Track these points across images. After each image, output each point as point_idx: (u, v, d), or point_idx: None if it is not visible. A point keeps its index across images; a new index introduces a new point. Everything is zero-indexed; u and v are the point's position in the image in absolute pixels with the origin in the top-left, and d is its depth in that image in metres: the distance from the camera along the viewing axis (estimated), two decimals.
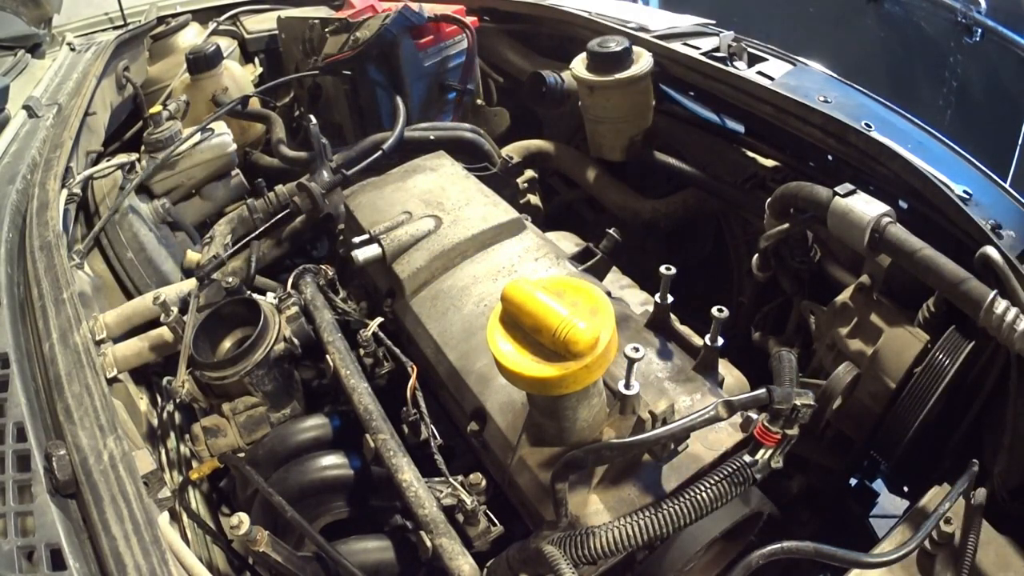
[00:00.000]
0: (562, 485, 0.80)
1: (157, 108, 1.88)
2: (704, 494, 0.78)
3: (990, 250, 1.09)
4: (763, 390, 0.78)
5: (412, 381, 1.12)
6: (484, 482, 1.00)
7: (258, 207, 1.74)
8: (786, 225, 1.37)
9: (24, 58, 1.90)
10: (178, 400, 1.24)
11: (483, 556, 0.93)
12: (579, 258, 1.31)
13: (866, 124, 1.38)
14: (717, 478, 0.79)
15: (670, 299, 1.10)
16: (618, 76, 1.73)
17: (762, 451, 0.80)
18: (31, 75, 1.83)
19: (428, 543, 0.94)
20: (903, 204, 1.32)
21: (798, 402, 0.76)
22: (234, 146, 1.82)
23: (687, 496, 0.78)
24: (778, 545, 0.84)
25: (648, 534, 0.76)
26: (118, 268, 1.58)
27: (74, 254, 1.41)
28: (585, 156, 2.00)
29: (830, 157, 1.49)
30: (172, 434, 1.37)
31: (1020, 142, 3.10)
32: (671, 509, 0.77)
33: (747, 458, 0.80)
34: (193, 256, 1.64)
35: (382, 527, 1.22)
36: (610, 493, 0.89)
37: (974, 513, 0.86)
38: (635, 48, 1.77)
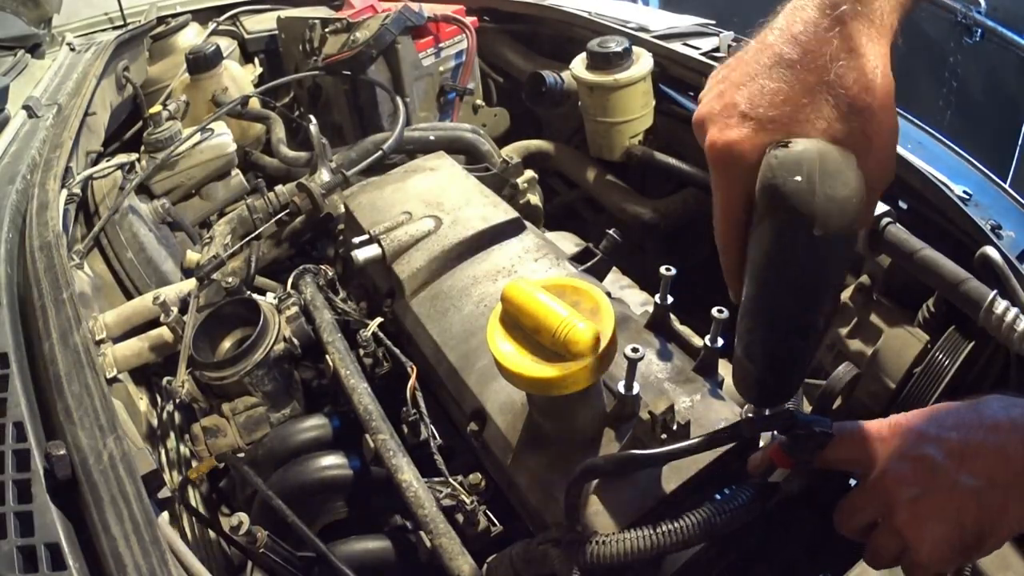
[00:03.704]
0: (577, 491, 0.79)
1: (157, 108, 1.88)
2: (718, 518, 0.77)
3: (990, 250, 1.08)
4: (787, 413, 0.77)
5: (412, 381, 1.12)
6: (484, 482, 1.00)
7: (258, 207, 1.74)
8: None
9: (24, 58, 1.90)
10: (178, 400, 1.24)
11: (483, 556, 0.93)
12: (579, 258, 1.31)
13: None
14: (733, 504, 0.78)
15: (670, 299, 1.10)
16: (618, 76, 1.73)
17: (777, 474, 0.81)
18: (31, 75, 1.83)
19: (427, 543, 0.94)
20: (903, 204, 1.32)
21: (818, 429, 0.76)
22: (234, 146, 1.82)
23: (700, 516, 0.77)
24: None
25: (659, 549, 0.76)
26: (118, 268, 1.58)
27: (74, 254, 1.41)
28: (585, 156, 2.00)
29: None
30: (172, 434, 1.37)
31: (1020, 142, 3.10)
32: (684, 526, 0.76)
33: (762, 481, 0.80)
34: (193, 256, 1.64)
35: (382, 527, 1.22)
36: (610, 495, 0.89)
37: None
38: (635, 48, 1.77)
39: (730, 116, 0.59)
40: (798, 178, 0.54)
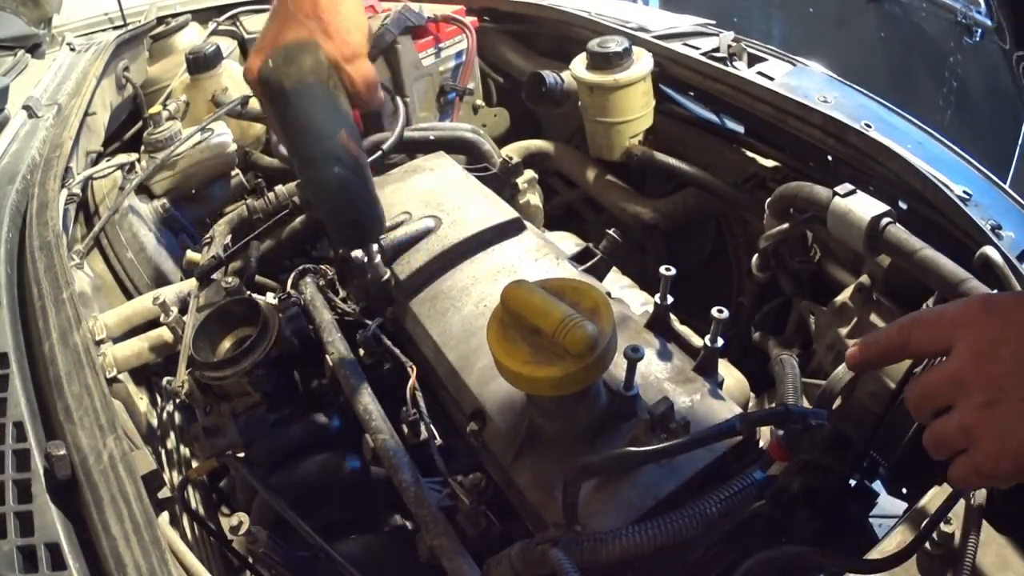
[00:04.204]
0: (575, 490, 0.80)
1: (157, 108, 1.88)
2: (714, 509, 0.78)
3: (990, 250, 1.09)
4: (781, 407, 0.77)
5: (412, 381, 1.12)
6: (484, 482, 1.00)
7: (258, 207, 1.74)
8: (786, 225, 1.37)
9: (24, 58, 1.90)
10: (178, 400, 1.24)
11: (483, 556, 0.93)
12: (579, 258, 1.31)
13: (866, 124, 1.38)
14: (727, 493, 0.79)
15: (670, 299, 1.10)
16: (618, 76, 1.73)
17: (774, 467, 0.81)
18: (31, 75, 1.83)
19: (427, 543, 0.94)
20: (903, 204, 1.33)
21: (813, 422, 0.76)
22: (234, 146, 1.82)
23: (696, 508, 0.78)
24: (777, 550, 0.84)
25: (656, 544, 0.76)
26: (118, 268, 1.59)
27: (74, 254, 1.41)
28: (585, 156, 2.00)
29: (830, 157, 1.49)
30: (172, 434, 1.38)
31: (1020, 142, 3.09)
32: (681, 519, 0.77)
33: (758, 475, 0.80)
34: (193, 256, 1.64)
35: (382, 527, 1.22)
36: (609, 494, 0.89)
37: (974, 513, 0.86)
38: (635, 48, 1.77)
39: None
40: (270, 62, 0.87)
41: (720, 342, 1.02)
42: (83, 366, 0.96)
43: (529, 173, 1.86)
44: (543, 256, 1.25)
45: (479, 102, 2.22)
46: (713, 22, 1.92)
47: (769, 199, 1.39)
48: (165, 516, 0.92)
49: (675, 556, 0.91)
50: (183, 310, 1.35)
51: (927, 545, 0.85)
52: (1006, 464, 0.60)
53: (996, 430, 0.60)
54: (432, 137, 1.76)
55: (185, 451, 1.37)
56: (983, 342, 0.61)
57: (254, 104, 1.99)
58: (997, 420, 0.60)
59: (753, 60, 1.68)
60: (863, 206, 1.20)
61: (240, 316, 1.24)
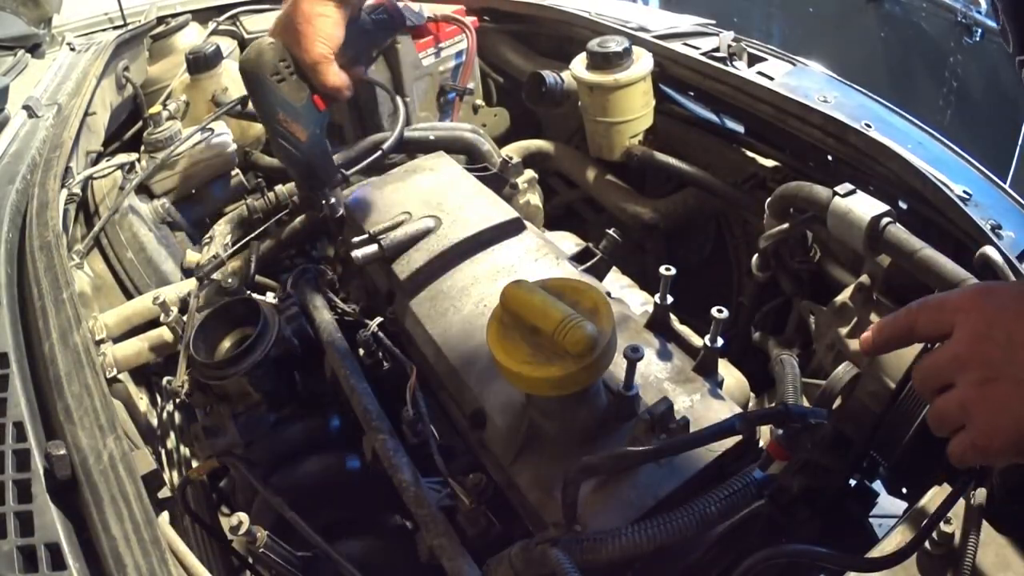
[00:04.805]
0: (575, 490, 0.80)
1: (157, 108, 1.88)
2: (713, 508, 0.78)
3: (990, 250, 1.09)
4: (781, 407, 0.78)
5: (412, 381, 1.12)
6: (484, 482, 1.00)
7: (258, 207, 1.74)
8: (786, 225, 1.37)
9: (24, 58, 1.90)
10: (178, 400, 1.24)
11: (483, 556, 0.93)
12: (579, 258, 1.31)
13: (866, 124, 1.38)
14: (726, 492, 0.79)
15: (670, 299, 1.10)
16: (618, 76, 1.73)
17: (774, 467, 0.81)
18: (31, 75, 1.83)
19: (427, 543, 0.94)
20: (903, 204, 1.33)
21: (813, 421, 0.76)
22: (234, 146, 1.82)
23: (696, 507, 0.78)
24: (777, 549, 0.84)
25: (656, 544, 0.76)
26: (118, 268, 1.58)
27: (74, 254, 1.41)
28: (585, 156, 2.00)
29: (830, 157, 1.49)
30: (172, 434, 1.38)
31: (1020, 142, 3.10)
32: (680, 518, 0.77)
33: (758, 474, 0.80)
34: (193, 256, 1.64)
35: (382, 527, 1.22)
36: (609, 494, 0.89)
37: (974, 513, 0.86)
38: (635, 48, 1.77)
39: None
40: (250, 52, 1.15)
41: (720, 342, 1.02)
42: (83, 366, 0.96)
43: (529, 173, 1.86)
44: (543, 256, 1.25)
45: (479, 102, 2.21)
46: (713, 22, 1.92)
47: (769, 199, 1.39)
48: (165, 516, 0.92)
49: (675, 556, 0.91)
50: (183, 310, 1.35)
51: (927, 545, 0.85)
52: (999, 440, 0.64)
53: (990, 406, 0.64)
54: (432, 137, 1.76)
55: (185, 451, 1.37)
56: (981, 324, 0.65)
57: None
58: (991, 397, 0.64)
59: (753, 60, 1.68)
60: (863, 206, 1.20)
61: (240, 316, 1.24)
